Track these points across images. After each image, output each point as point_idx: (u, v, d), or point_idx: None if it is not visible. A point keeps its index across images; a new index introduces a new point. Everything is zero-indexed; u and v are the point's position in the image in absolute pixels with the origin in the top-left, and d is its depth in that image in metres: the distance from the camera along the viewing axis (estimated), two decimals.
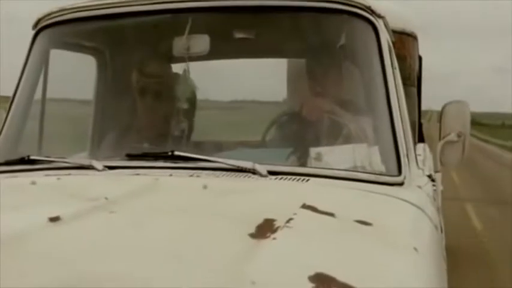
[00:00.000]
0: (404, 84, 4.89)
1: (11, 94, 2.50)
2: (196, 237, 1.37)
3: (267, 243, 1.30)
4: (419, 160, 2.86)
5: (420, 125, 5.64)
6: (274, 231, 1.37)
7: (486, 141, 41.64)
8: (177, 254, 1.27)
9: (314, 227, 1.46)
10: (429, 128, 7.84)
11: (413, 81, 5.13)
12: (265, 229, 1.38)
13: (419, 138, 5.23)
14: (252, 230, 1.37)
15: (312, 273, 1.14)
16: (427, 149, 4.31)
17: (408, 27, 4.97)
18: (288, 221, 1.43)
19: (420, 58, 5.80)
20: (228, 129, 3.18)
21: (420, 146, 4.26)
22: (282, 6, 2.27)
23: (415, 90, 5.25)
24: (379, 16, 2.27)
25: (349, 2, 2.22)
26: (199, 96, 2.58)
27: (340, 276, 1.14)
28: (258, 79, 2.84)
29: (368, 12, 2.23)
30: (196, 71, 2.42)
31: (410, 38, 5.01)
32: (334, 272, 1.16)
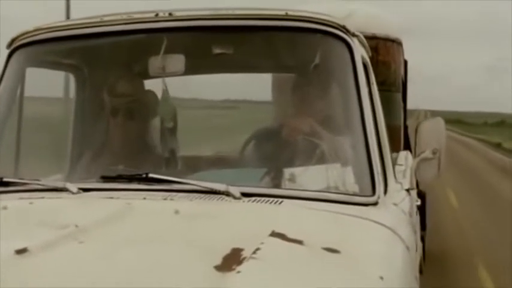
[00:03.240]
0: (389, 90, 4.93)
1: None
2: (163, 270, 1.37)
3: (231, 277, 1.30)
4: (399, 171, 2.86)
5: (406, 128, 5.66)
6: (239, 262, 1.37)
7: (464, 135, 52.67)
8: (143, 286, 1.28)
9: (280, 257, 1.46)
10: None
11: (398, 86, 5.15)
12: (231, 260, 1.39)
13: (405, 143, 5.25)
14: (219, 261, 1.38)
15: None
16: (410, 157, 4.31)
17: (392, 33, 4.98)
18: (254, 252, 1.44)
19: (406, 62, 5.82)
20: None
21: (403, 154, 4.26)
22: (257, 26, 2.28)
23: (399, 95, 5.27)
24: (354, 35, 2.27)
25: (323, 22, 2.22)
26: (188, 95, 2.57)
27: None
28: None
29: (342, 31, 2.23)
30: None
31: (394, 43, 5.03)
32: None
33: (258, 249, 1.46)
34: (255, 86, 2.91)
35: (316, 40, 2.27)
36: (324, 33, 2.23)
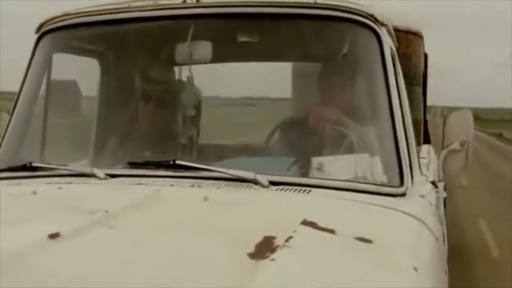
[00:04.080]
0: (410, 84, 4.90)
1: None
2: (195, 257, 1.36)
3: (265, 265, 1.29)
4: (423, 165, 2.84)
5: (426, 122, 5.63)
6: (273, 250, 1.36)
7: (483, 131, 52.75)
8: (175, 274, 1.27)
9: (314, 246, 1.45)
10: (435, 123, 8.60)
11: (418, 80, 5.11)
12: (264, 248, 1.37)
13: (425, 137, 5.22)
14: (251, 249, 1.37)
15: None
16: (432, 151, 4.29)
17: (413, 26, 4.94)
18: (287, 240, 1.42)
19: (426, 56, 5.78)
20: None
21: (425, 147, 4.23)
22: (285, 14, 2.26)
23: (420, 89, 5.23)
24: (382, 24, 2.25)
25: (352, 10, 2.20)
26: (208, 93, 2.56)
27: None
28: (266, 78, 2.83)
29: (371, 20, 2.21)
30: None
31: (415, 37, 4.99)
32: None
33: (290, 237, 1.44)
34: (273, 83, 2.89)
35: (344, 29, 2.25)
36: (353, 22, 2.21)
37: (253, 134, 2.98)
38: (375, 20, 2.22)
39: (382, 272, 1.36)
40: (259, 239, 1.43)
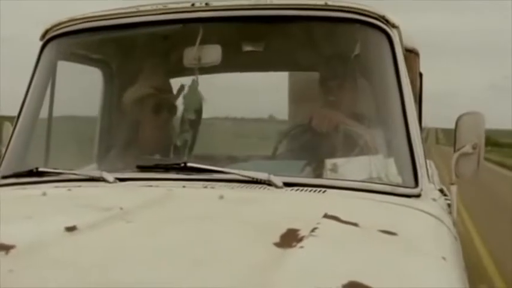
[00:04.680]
0: None
1: None
2: (218, 244, 1.32)
3: (294, 252, 1.25)
4: (429, 174, 2.81)
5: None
6: (299, 240, 1.32)
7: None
8: (199, 261, 1.21)
9: (340, 236, 1.41)
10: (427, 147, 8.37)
11: (415, 97, 5.09)
12: (290, 238, 1.33)
13: None
14: (276, 239, 1.33)
15: (345, 281, 1.10)
16: (433, 165, 4.27)
17: (410, 43, 4.94)
18: (312, 230, 1.39)
19: (421, 75, 5.77)
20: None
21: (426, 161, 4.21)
22: (295, 16, 2.23)
23: (417, 107, 5.22)
24: (394, 26, 2.23)
25: (363, 12, 2.18)
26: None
27: (376, 284, 1.10)
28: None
29: (383, 22, 2.19)
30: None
31: (412, 54, 4.98)
32: (368, 280, 1.11)
33: (315, 228, 1.40)
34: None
35: (356, 30, 2.23)
36: (364, 24, 2.19)
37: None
38: (387, 21, 2.20)
39: (412, 260, 1.32)
40: (282, 230, 1.38)
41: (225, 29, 2.34)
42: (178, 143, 2.39)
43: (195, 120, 2.41)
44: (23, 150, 2.41)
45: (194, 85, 2.35)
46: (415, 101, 5.23)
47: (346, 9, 2.18)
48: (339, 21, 2.21)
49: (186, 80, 2.39)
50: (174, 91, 2.51)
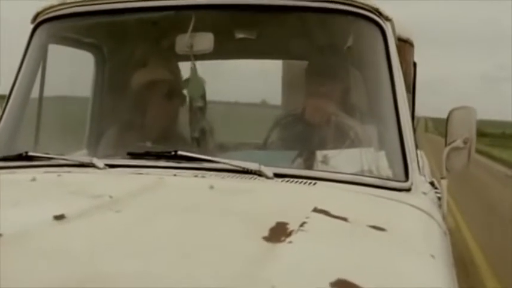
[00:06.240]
0: None
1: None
2: (208, 236, 1.31)
3: (283, 247, 1.25)
4: (420, 167, 2.82)
5: (414, 130, 5.59)
6: (288, 234, 1.32)
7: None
8: (188, 253, 1.21)
9: (329, 232, 1.41)
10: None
11: (409, 87, 5.09)
12: (279, 232, 1.33)
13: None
14: (265, 233, 1.32)
15: (333, 279, 1.10)
16: (424, 156, 4.27)
17: (404, 33, 4.93)
18: (301, 225, 1.38)
19: (415, 64, 5.76)
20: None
21: (417, 152, 4.22)
22: (287, 6, 2.22)
23: (410, 97, 5.21)
24: (387, 19, 2.22)
25: (356, 4, 2.17)
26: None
27: (363, 283, 1.10)
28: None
29: (376, 15, 2.18)
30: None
31: (406, 44, 4.97)
32: (356, 278, 1.11)
33: (304, 222, 1.40)
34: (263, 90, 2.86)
35: (349, 22, 2.22)
36: (358, 16, 2.18)
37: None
38: (380, 14, 2.19)
39: (401, 258, 1.33)
40: (271, 224, 1.38)
41: (218, 16, 2.32)
42: (177, 132, 2.39)
43: (198, 107, 2.40)
44: (13, 133, 2.39)
45: (193, 73, 2.33)
46: (409, 91, 5.25)
47: (340, 0, 2.17)
48: (333, 12, 2.20)
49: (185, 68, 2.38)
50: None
